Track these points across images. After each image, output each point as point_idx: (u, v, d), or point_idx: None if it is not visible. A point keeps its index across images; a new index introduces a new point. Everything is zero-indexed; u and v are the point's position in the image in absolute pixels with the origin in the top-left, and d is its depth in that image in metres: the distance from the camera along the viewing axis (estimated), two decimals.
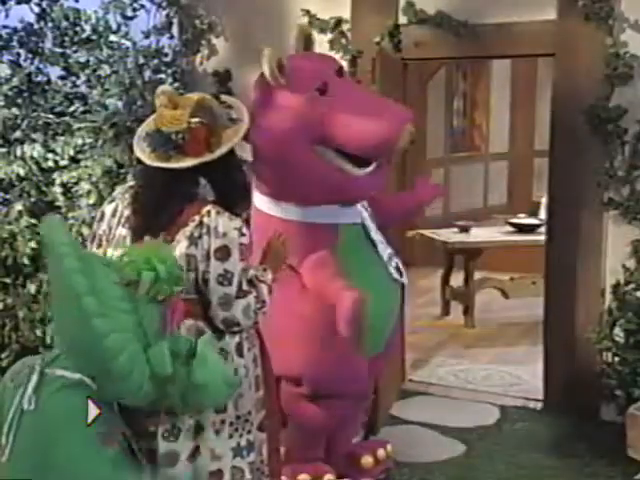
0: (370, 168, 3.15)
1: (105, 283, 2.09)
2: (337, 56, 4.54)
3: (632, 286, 4.06)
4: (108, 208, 2.61)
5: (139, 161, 2.60)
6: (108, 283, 2.09)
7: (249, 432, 2.56)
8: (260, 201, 3.23)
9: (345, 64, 4.49)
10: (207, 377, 2.18)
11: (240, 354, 2.55)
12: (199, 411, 2.38)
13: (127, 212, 2.54)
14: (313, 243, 3.16)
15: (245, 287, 2.46)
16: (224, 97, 2.70)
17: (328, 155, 3.08)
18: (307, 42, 3.33)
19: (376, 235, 3.32)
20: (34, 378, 2.15)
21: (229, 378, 2.27)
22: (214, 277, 2.41)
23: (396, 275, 3.32)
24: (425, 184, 3.68)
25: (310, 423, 3.31)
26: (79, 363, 2.13)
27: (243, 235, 2.45)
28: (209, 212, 2.45)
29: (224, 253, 2.41)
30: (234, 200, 2.56)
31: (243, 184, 2.64)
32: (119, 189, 2.74)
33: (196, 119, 2.47)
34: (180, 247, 2.43)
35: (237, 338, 2.55)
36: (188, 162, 2.47)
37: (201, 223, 2.43)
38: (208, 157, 2.48)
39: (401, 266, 3.37)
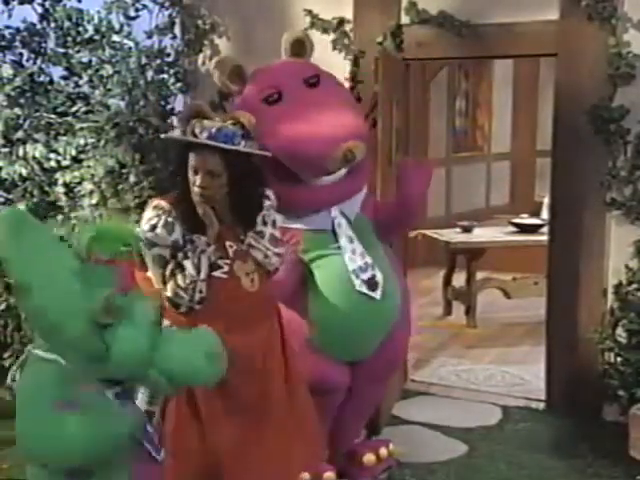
0: (332, 177, 3.17)
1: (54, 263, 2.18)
2: (339, 56, 4.57)
3: (635, 286, 4.06)
4: None
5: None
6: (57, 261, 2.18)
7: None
8: None
9: (347, 64, 4.50)
10: (178, 349, 2.22)
11: None
12: (190, 384, 2.44)
13: None
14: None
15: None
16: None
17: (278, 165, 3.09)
18: (296, 47, 3.32)
19: (348, 243, 3.23)
20: (22, 357, 2.32)
21: (212, 353, 2.25)
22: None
23: (362, 287, 3.20)
24: (410, 172, 3.46)
25: None
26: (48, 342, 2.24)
27: (151, 232, 2.65)
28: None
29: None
30: (246, 198, 2.75)
31: (257, 182, 2.79)
32: None
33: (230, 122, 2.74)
34: None
35: None
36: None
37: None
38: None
39: (379, 279, 3.25)
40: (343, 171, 3.21)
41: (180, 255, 2.66)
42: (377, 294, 3.23)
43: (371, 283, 3.23)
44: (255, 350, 2.74)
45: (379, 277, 3.25)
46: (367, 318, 3.26)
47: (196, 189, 2.66)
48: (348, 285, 3.19)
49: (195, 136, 2.64)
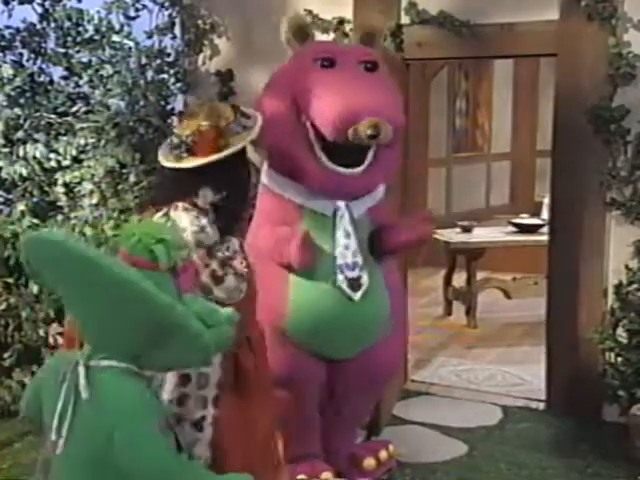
0: (359, 169, 3.16)
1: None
2: None
3: (635, 286, 4.06)
4: None
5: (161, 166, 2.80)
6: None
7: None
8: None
9: None
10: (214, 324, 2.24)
11: None
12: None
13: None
14: (282, 217, 3.22)
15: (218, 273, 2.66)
16: (243, 108, 2.84)
17: (317, 145, 3.12)
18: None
19: (344, 238, 3.21)
20: (81, 370, 2.18)
21: (229, 316, 2.27)
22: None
23: (343, 283, 3.17)
24: (420, 222, 3.44)
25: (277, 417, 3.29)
26: (134, 342, 2.17)
27: (202, 232, 2.63)
28: (177, 206, 2.64)
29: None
30: (236, 201, 2.68)
31: (246, 187, 2.76)
32: None
33: (205, 122, 2.65)
34: None
35: None
36: (196, 162, 2.64)
37: (167, 215, 2.63)
38: (215, 157, 2.63)
39: (364, 282, 3.19)
40: (365, 164, 3.19)
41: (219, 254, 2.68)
42: (356, 295, 3.20)
43: (354, 283, 3.19)
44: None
45: (364, 280, 3.21)
46: (341, 316, 3.21)
47: None
48: (329, 278, 3.18)
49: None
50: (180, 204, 2.64)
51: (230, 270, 2.68)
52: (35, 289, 4.30)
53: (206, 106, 2.76)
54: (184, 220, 2.62)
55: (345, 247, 3.21)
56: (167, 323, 2.11)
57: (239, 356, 2.70)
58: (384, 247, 3.34)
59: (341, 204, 3.22)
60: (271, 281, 3.11)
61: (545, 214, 6.16)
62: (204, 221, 2.64)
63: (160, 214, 2.64)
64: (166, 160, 2.71)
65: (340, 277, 3.18)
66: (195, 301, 2.23)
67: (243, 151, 2.73)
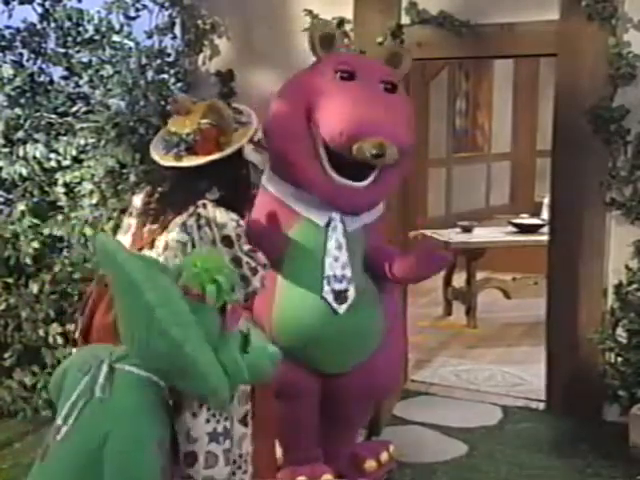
0: (363, 183, 3.15)
1: (172, 295, 2.21)
2: None
3: (635, 286, 4.06)
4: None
5: (154, 162, 2.80)
6: (174, 295, 2.22)
7: (226, 419, 2.61)
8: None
9: None
10: (256, 358, 2.34)
11: None
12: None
13: (138, 204, 2.77)
14: (274, 217, 3.17)
15: (252, 264, 2.69)
16: (234, 104, 2.83)
17: (324, 155, 3.09)
18: (391, 59, 3.33)
19: (335, 249, 3.18)
20: (104, 368, 2.25)
21: (273, 354, 2.38)
22: (228, 262, 2.60)
23: (328, 295, 3.14)
24: (428, 256, 3.31)
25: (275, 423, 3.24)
26: (159, 367, 2.24)
27: (240, 226, 2.67)
28: (205, 205, 2.64)
29: (228, 242, 2.63)
30: (238, 199, 2.69)
31: (247, 184, 2.77)
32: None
33: (206, 120, 2.59)
34: (172, 234, 2.64)
35: None
36: (198, 161, 2.66)
37: (198, 215, 2.62)
38: (217, 155, 2.62)
39: (350, 295, 3.15)
40: (370, 179, 3.16)
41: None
42: (341, 308, 3.16)
43: (340, 296, 3.16)
44: None
45: (351, 294, 3.18)
46: (323, 327, 3.17)
47: None
48: (316, 288, 3.15)
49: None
50: (207, 202, 2.63)
51: (255, 262, 2.70)
52: (35, 289, 4.30)
53: (204, 104, 2.74)
54: (224, 216, 2.63)
55: (335, 259, 3.18)
56: (175, 357, 2.15)
57: None
58: (395, 279, 3.29)
59: (336, 215, 3.19)
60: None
61: (545, 214, 6.16)
62: (234, 215, 2.65)
63: (186, 215, 2.61)
64: (163, 159, 2.69)
65: (326, 288, 3.15)
66: (236, 339, 2.30)
67: (240, 147, 2.75)
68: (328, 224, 3.20)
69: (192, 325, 2.18)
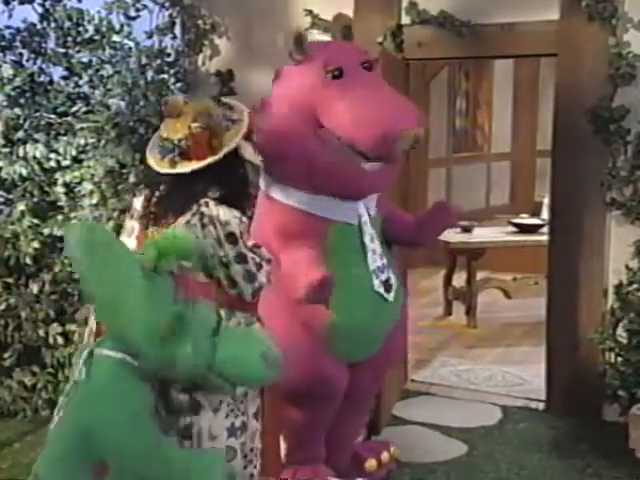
0: (378, 164, 3.10)
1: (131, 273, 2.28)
2: None
3: (635, 286, 4.06)
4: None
5: (149, 168, 2.78)
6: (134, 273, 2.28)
7: (243, 414, 2.64)
8: (263, 181, 3.23)
9: None
10: (234, 352, 2.31)
11: None
12: (247, 386, 2.55)
13: (138, 207, 2.76)
14: (302, 232, 3.12)
15: (257, 260, 2.67)
16: (224, 99, 2.80)
17: (334, 142, 3.03)
18: (346, 31, 3.27)
19: (370, 242, 3.21)
20: (84, 354, 2.36)
21: (267, 354, 2.33)
22: (233, 258, 2.60)
23: (379, 288, 3.19)
24: (443, 210, 3.47)
25: (289, 424, 3.27)
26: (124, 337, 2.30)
27: (243, 223, 2.66)
28: (207, 203, 2.62)
29: (233, 238, 2.61)
30: (237, 198, 2.70)
31: (245, 182, 2.77)
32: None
33: (196, 124, 2.62)
34: None
35: None
36: (192, 166, 2.63)
37: (201, 214, 2.60)
38: (211, 159, 2.63)
39: (393, 282, 3.24)
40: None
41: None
42: (390, 296, 3.22)
43: (387, 285, 3.22)
44: None
45: (393, 279, 3.25)
46: (380, 319, 3.24)
47: None
48: (367, 284, 3.18)
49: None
50: (209, 200, 2.63)
51: (259, 257, 2.70)
52: (35, 289, 4.30)
53: (194, 105, 2.70)
54: (227, 213, 2.62)
55: (373, 252, 3.21)
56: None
57: None
58: (420, 241, 3.48)
59: (362, 210, 3.19)
60: None
61: (545, 214, 6.16)
62: (237, 212, 2.65)
63: (190, 215, 2.60)
64: (159, 165, 2.68)
65: (376, 282, 3.18)
66: (198, 312, 2.32)
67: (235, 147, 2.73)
68: (359, 220, 3.20)
69: (135, 286, 2.24)
